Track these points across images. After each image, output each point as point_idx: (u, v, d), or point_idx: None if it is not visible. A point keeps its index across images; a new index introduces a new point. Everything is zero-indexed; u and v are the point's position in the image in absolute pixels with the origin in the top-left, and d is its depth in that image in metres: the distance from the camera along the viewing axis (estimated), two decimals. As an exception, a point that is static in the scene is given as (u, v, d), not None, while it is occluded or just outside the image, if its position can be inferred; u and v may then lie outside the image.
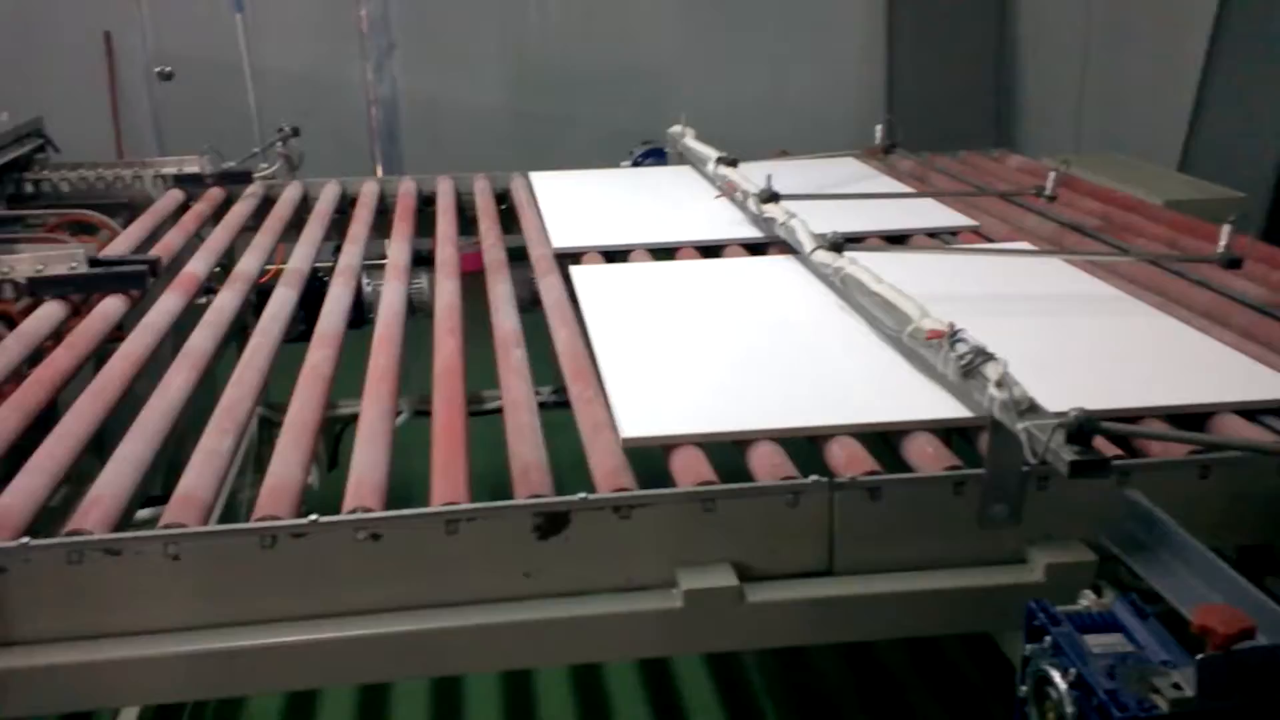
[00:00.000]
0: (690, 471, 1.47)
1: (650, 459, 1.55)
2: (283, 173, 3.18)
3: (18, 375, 1.90)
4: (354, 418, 2.24)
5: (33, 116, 3.21)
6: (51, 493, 1.46)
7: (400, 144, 5.93)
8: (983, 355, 1.43)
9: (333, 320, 2.10)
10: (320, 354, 1.93)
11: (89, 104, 5.63)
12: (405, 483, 1.55)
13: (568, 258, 2.46)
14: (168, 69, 5.16)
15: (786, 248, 2.31)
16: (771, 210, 2.33)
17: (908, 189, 2.94)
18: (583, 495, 1.40)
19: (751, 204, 2.45)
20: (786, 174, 2.64)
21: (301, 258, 2.52)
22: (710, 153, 2.95)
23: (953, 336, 1.49)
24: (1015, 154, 3.40)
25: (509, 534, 1.39)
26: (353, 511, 1.39)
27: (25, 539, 1.31)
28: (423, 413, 2.52)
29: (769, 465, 1.47)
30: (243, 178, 3.07)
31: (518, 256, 2.51)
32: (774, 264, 2.29)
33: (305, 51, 5.84)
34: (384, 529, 1.37)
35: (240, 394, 1.76)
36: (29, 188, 3.04)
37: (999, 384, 1.35)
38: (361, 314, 2.47)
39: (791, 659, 2.89)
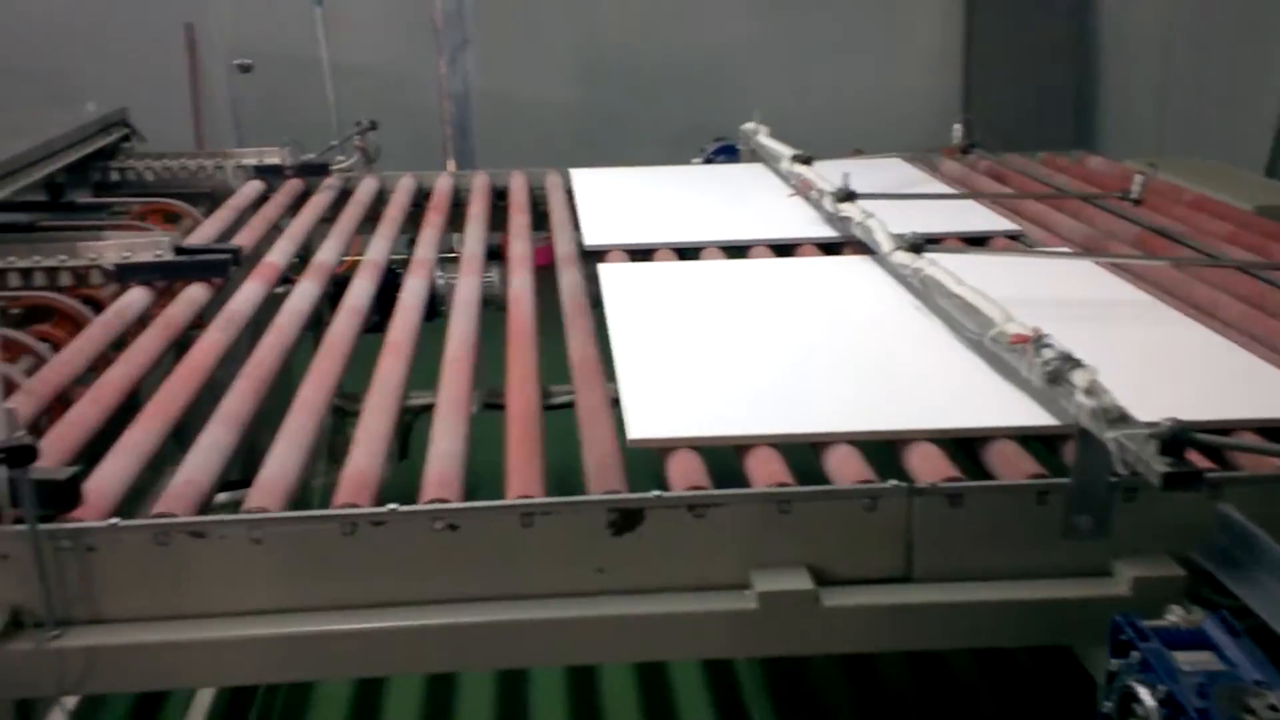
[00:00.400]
0: (766, 472, 1.45)
1: (726, 458, 1.54)
2: (359, 166, 3.22)
3: (104, 359, 1.95)
4: (425, 409, 2.26)
5: (118, 107, 3.28)
6: (139, 475, 1.49)
7: (472, 138, 5.99)
8: (1070, 361, 1.40)
9: (409, 313, 2.13)
10: (397, 346, 1.95)
11: (170, 95, 5.75)
12: (472, 474, 1.55)
13: (640, 254, 2.47)
14: (247, 61, 5.26)
15: (862, 248, 2.29)
16: (848, 209, 2.30)
17: (951, 190, 2.90)
18: (657, 493, 1.39)
19: (827, 203, 2.42)
20: (847, 173, 2.59)
21: (378, 250, 2.55)
22: (784, 150, 2.93)
23: (1038, 341, 1.45)
24: (1095, 155, 3.33)
25: (583, 529, 1.39)
26: (431, 502, 1.41)
27: (115, 520, 1.34)
28: (492, 406, 2.53)
29: (846, 469, 1.46)
30: (321, 170, 3.11)
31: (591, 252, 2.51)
32: (849, 264, 2.27)
33: (380, 46, 5.92)
34: (461, 520, 1.38)
35: (319, 383, 1.79)
36: (114, 176, 3.12)
37: (1088, 391, 1.32)
38: (434, 307, 2.50)
39: (858, 662, 2.86)
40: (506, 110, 6.00)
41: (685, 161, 3.64)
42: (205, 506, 1.43)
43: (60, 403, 1.80)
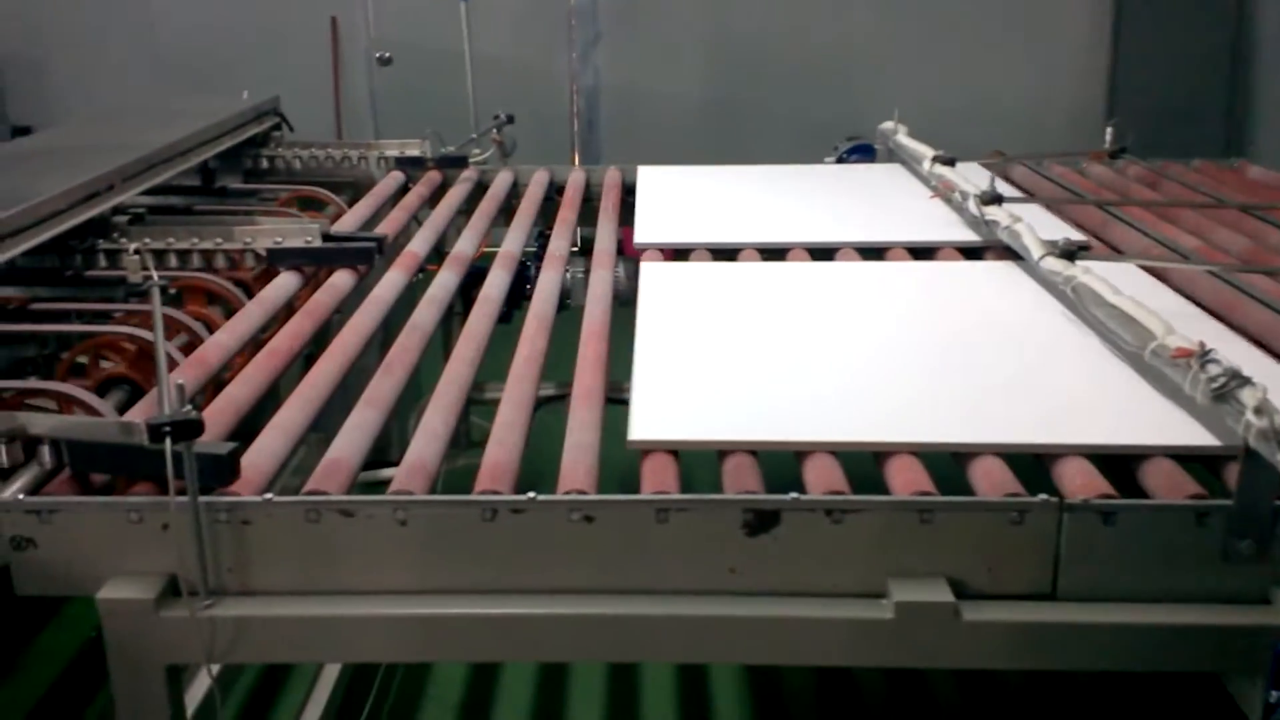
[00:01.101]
0: (908, 480, 1.43)
1: (863, 462, 1.52)
2: (495, 159, 3.28)
3: (254, 341, 2.03)
4: (550, 400, 2.29)
5: (269, 96, 3.40)
6: (291, 453, 1.55)
7: (599, 132, 6.04)
8: (1238, 379, 1.33)
9: (545, 304, 2.15)
10: (534, 337, 1.98)
11: (312, 85, 5.95)
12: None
13: (772, 254, 2.45)
14: (387, 54, 5.40)
15: (1007, 253, 2.22)
16: (993, 213, 2.24)
17: (1099, 196, 2.78)
18: (794, 495, 1.38)
19: (971, 205, 2.36)
20: (993, 176, 2.53)
21: (512, 242, 2.59)
22: (925, 151, 2.86)
23: (1203, 356, 1.39)
24: (1255, 165, 3.17)
25: (717, 528, 1.38)
26: (568, 493, 1.42)
27: (269, 495, 1.39)
28: (616, 400, 2.55)
29: (994, 480, 1.42)
30: (459, 162, 3.18)
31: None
32: (993, 269, 2.21)
33: (514, 39, 6.01)
34: (597, 512, 1.39)
35: (459, 370, 1.83)
36: (264, 163, 3.23)
37: (1258, 410, 1.26)
38: (561, 300, 2.53)
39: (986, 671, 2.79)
40: (635, 105, 6.03)
41: (818, 160, 3.60)
42: (352, 485, 1.48)
43: (214, 381, 1.88)
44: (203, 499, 1.36)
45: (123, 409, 1.78)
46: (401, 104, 5.82)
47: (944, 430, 1.52)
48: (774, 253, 2.45)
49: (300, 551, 1.39)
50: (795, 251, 2.45)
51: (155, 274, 1.90)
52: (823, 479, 1.45)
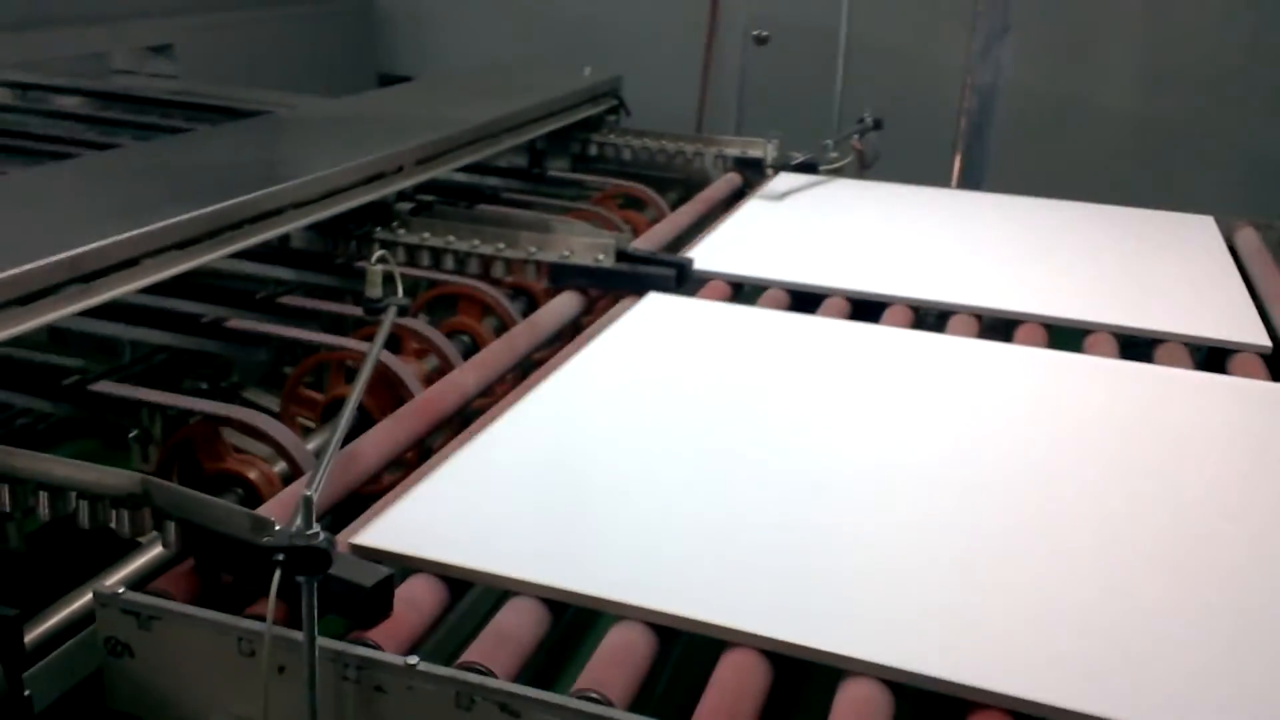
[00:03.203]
0: None
1: None
2: (852, 169, 2.74)
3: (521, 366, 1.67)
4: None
5: (612, 75, 3.06)
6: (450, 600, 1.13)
7: (987, 144, 5.24)
8: None
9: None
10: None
11: (672, 66, 5.60)
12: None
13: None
14: (764, 33, 4.94)
15: None
16: None
17: None
18: None
19: None
20: None
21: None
22: None
23: None
24: None
25: None
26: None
27: (414, 658, 0.98)
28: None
29: None
30: (806, 169, 2.68)
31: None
32: None
33: (906, 24, 5.36)
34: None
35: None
36: (593, 150, 2.91)
37: None
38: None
39: None
40: (1040, 115, 5.16)
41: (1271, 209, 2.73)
42: (528, 659, 1.04)
43: (446, 424, 1.52)
44: (326, 643, 0.97)
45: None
46: (775, 90, 5.34)
47: None
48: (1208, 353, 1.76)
49: (446, 743, 0.98)
50: (1244, 360, 1.73)
51: (400, 290, 1.56)
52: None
